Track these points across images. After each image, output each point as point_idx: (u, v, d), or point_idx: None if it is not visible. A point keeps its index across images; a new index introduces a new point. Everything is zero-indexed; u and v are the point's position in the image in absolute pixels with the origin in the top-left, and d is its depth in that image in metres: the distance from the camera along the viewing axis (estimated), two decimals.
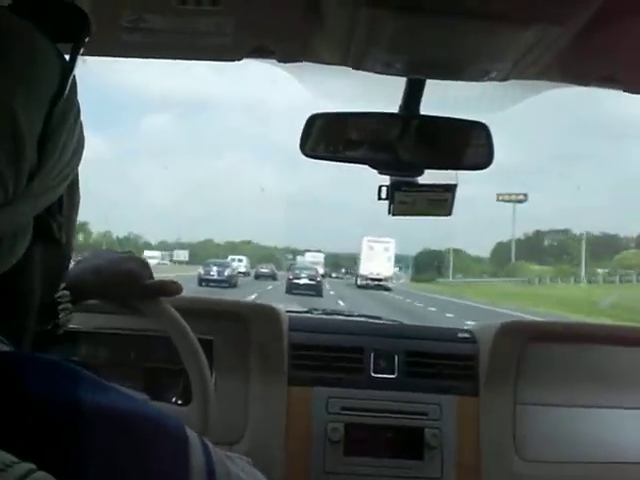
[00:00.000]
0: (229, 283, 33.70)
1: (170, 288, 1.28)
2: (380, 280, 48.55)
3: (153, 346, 1.79)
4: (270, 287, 36.03)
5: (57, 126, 0.57)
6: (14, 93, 0.53)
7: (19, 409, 0.49)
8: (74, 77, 0.59)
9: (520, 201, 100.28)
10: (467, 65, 1.24)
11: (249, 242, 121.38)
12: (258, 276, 53.37)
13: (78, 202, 0.66)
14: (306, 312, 2.52)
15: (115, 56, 1.26)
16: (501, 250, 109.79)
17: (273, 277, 52.36)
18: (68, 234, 0.63)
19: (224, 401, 1.76)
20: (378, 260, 49.78)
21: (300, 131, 1.53)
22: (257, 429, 1.79)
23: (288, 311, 2.09)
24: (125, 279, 1.24)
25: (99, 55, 1.25)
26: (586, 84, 1.36)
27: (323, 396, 1.85)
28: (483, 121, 1.55)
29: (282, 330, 1.88)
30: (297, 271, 37.89)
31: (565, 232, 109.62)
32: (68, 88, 0.58)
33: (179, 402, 1.69)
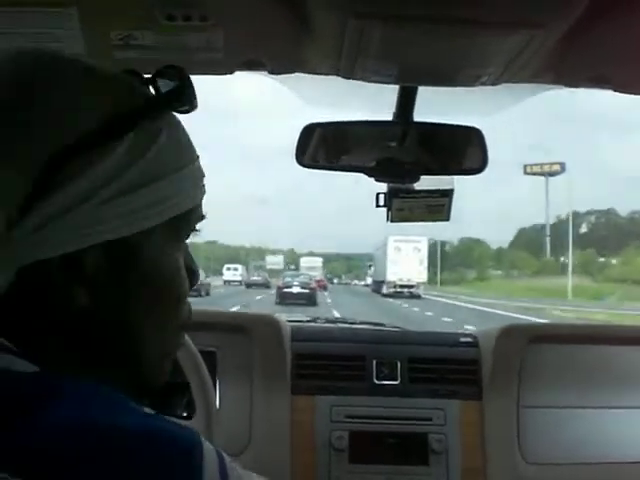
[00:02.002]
0: (198, 292, 30.64)
1: None
2: (411, 287, 42.33)
3: None
4: (258, 297, 33.48)
5: None
6: None
7: (44, 431, 0.50)
8: None
9: (554, 173, 78.20)
10: (458, 71, 1.24)
11: (214, 242, 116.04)
12: (250, 285, 50.85)
13: None
14: (309, 321, 2.52)
15: None
16: (525, 239, 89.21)
17: (266, 285, 49.61)
18: None
19: (228, 412, 1.77)
20: (408, 263, 43.13)
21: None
22: (262, 439, 1.80)
23: (290, 320, 2.10)
24: None
25: None
26: (577, 85, 1.37)
27: (327, 405, 1.85)
28: (476, 126, 1.56)
29: (284, 340, 1.89)
30: (289, 279, 34.26)
31: (608, 213, 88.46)
32: None
33: (184, 415, 1.70)
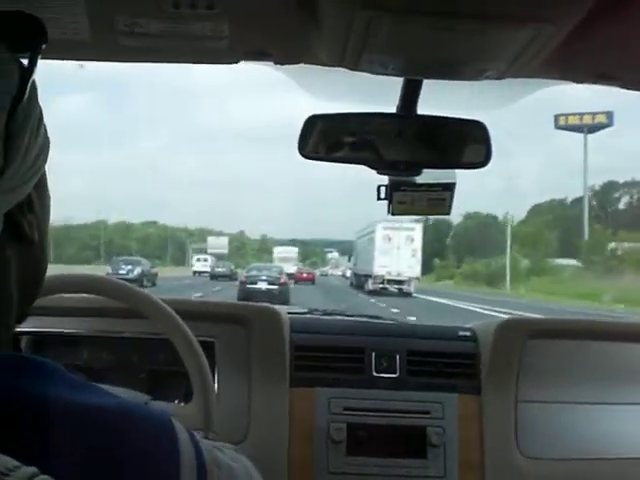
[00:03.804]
0: (140, 282, 28.85)
1: None
2: (401, 283, 35.21)
3: (155, 349, 1.80)
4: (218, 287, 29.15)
5: (20, 128, 0.59)
6: None
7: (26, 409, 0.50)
8: (34, 82, 0.61)
9: (596, 127, 57.88)
10: (463, 65, 1.24)
11: (154, 223, 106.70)
12: (214, 276, 47.88)
13: (49, 204, 0.68)
14: (306, 313, 2.52)
15: (112, 61, 1.25)
16: (543, 218, 64.77)
17: (231, 277, 45.54)
18: (41, 234, 0.65)
19: (227, 403, 1.77)
20: (399, 255, 35.57)
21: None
22: (260, 431, 1.80)
23: (289, 312, 2.10)
24: None
25: (96, 60, 1.25)
26: (583, 81, 1.37)
27: (325, 397, 1.86)
28: (480, 119, 1.56)
29: (283, 332, 1.89)
30: (254, 271, 28.77)
31: None
32: (28, 92, 0.60)
33: (182, 404, 1.70)
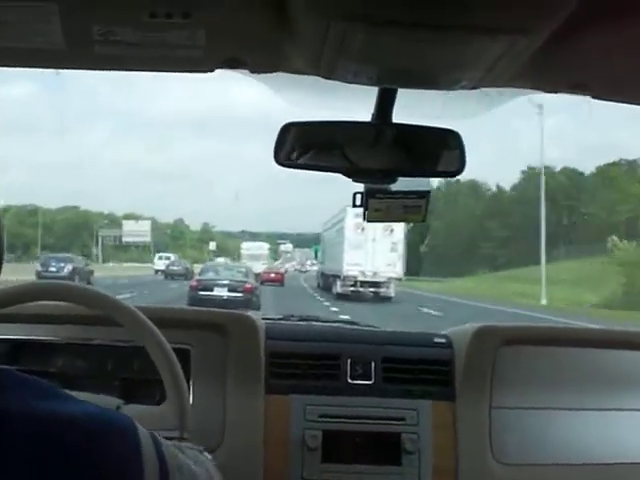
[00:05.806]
0: (72, 280, 24.28)
1: None
2: (379, 285, 28.63)
3: (129, 356, 1.79)
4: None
5: None
6: None
7: None
8: None
9: None
10: (438, 75, 1.25)
11: (75, 208, 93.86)
12: (169, 275, 44.57)
13: None
14: (281, 319, 2.52)
15: (88, 69, 1.25)
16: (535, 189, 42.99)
17: (186, 276, 40.45)
18: None
19: (202, 410, 1.76)
20: (375, 249, 28.76)
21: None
22: (235, 438, 1.79)
23: (264, 318, 2.10)
24: None
25: (72, 68, 1.24)
26: (555, 91, 1.38)
27: (300, 404, 1.86)
28: (454, 129, 1.57)
29: (259, 339, 1.89)
30: (210, 273, 22.44)
31: None
32: None
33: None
